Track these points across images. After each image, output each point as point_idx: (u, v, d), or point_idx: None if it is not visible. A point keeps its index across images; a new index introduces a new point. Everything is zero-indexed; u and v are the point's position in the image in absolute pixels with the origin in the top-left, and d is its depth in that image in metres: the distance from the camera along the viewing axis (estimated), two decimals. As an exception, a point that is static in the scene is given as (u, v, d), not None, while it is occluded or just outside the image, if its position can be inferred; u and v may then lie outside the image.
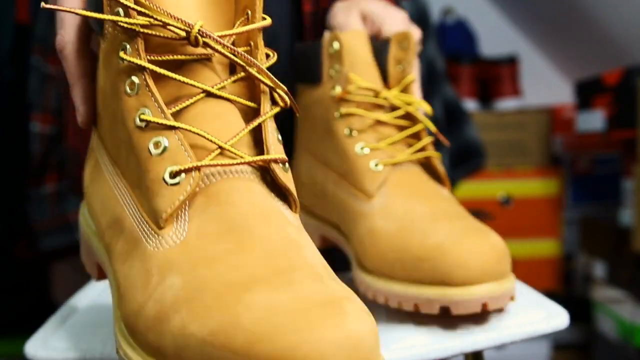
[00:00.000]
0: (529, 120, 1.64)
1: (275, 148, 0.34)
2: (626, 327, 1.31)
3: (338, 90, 0.52)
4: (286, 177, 0.34)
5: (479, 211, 1.58)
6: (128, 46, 0.33)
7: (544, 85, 1.90)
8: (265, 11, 0.46)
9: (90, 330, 0.44)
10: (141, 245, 0.32)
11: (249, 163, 0.32)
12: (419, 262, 0.44)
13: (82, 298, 0.53)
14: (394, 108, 0.53)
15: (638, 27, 1.36)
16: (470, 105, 1.69)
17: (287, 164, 0.34)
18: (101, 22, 0.35)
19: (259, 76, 0.34)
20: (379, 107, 0.52)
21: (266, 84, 0.34)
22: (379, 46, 0.55)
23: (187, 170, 0.31)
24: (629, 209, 1.25)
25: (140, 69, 0.33)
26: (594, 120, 1.34)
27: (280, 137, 0.35)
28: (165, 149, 0.32)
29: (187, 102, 0.33)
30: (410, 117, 0.53)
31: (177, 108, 0.33)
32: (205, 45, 0.33)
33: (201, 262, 0.29)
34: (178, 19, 0.32)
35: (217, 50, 0.33)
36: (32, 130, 1.19)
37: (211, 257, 0.29)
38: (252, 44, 0.35)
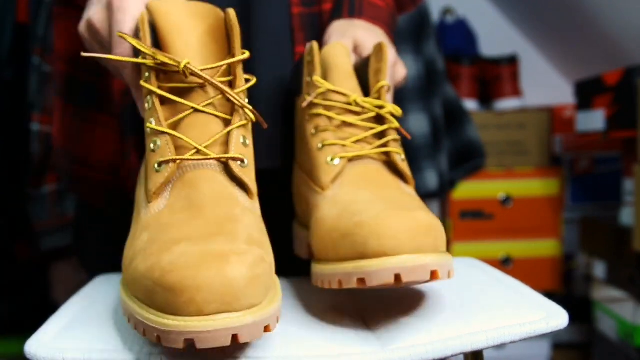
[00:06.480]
0: (529, 120, 1.64)
1: (236, 149, 0.45)
2: (626, 327, 1.31)
3: (306, 96, 0.54)
4: (242, 172, 0.45)
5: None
6: (147, 75, 0.47)
7: (544, 85, 1.90)
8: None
9: (91, 330, 0.44)
10: (140, 212, 0.45)
11: (213, 159, 0.45)
12: (343, 239, 0.44)
13: (82, 298, 0.53)
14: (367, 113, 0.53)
15: (638, 27, 1.36)
16: (470, 105, 1.69)
17: (245, 161, 0.45)
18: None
19: (231, 98, 0.46)
20: (351, 112, 0.53)
21: (236, 103, 0.46)
22: (363, 62, 0.56)
23: (167, 162, 0.44)
24: (629, 209, 1.25)
25: (151, 93, 0.46)
26: (594, 120, 1.34)
27: (248, 142, 0.47)
28: (157, 147, 0.45)
29: (181, 116, 0.46)
30: (380, 120, 0.53)
31: (174, 120, 0.46)
32: (193, 75, 0.45)
33: (163, 226, 0.42)
34: (171, 58, 0.45)
35: (203, 80, 0.45)
36: (32, 130, 1.19)
37: (170, 223, 0.42)
38: (234, 72, 0.48)
